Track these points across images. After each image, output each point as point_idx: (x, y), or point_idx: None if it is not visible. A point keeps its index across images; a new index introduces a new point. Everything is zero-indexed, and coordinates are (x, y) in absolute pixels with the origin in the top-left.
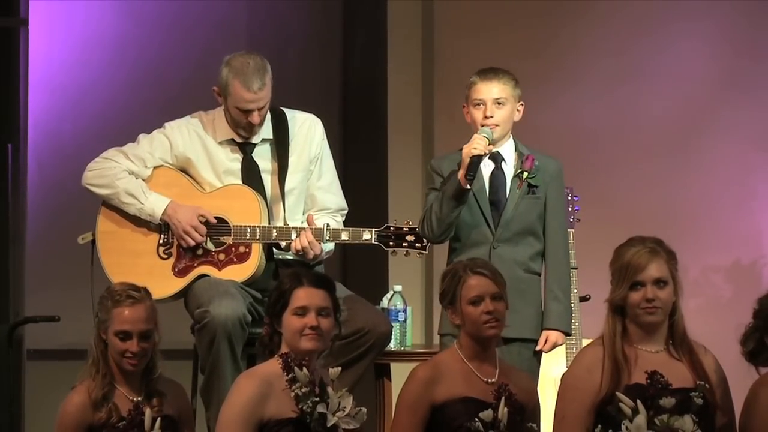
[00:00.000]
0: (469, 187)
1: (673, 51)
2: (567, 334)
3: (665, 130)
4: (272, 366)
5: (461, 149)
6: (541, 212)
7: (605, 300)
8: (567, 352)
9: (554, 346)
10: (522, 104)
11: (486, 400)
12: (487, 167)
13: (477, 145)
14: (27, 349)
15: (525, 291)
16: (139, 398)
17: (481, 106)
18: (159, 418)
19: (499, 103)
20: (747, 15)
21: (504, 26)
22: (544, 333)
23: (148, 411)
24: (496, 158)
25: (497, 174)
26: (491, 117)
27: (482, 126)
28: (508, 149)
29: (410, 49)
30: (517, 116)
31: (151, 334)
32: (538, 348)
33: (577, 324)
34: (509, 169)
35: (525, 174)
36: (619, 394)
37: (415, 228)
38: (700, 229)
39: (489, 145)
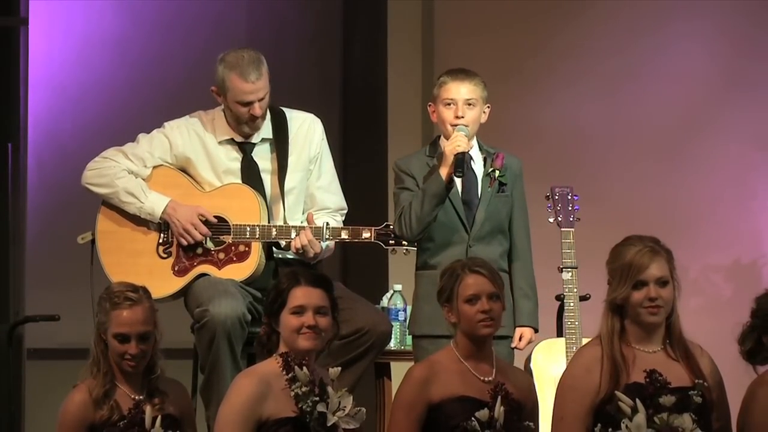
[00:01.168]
0: (451, 185)
1: (672, 51)
2: (536, 330)
3: (665, 130)
4: (270, 365)
5: (427, 147)
6: (509, 210)
7: (605, 299)
8: (567, 351)
9: (528, 342)
10: (489, 107)
11: (483, 399)
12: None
13: (460, 142)
14: (27, 349)
15: None
16: (141, 397)
17: (452, 105)
18: (159, 417)
19: (469, 104)
20: (746, 14)
21: (504, 26)
22: (518, 330)
23: (148, 409)
24: (466, 159)
25: (468, 174)
26: (462, 117)
27: (452, 126)
28: (473, 149)
29: (410, 48)
30: (484, 118)
31: (149, 335)
32: (513, 345)
33: (577, 323)
34: (478, 168)
35: (497, 172)
36: (619, 393)
37: None
38: (699, 229)
39: (469, 142)
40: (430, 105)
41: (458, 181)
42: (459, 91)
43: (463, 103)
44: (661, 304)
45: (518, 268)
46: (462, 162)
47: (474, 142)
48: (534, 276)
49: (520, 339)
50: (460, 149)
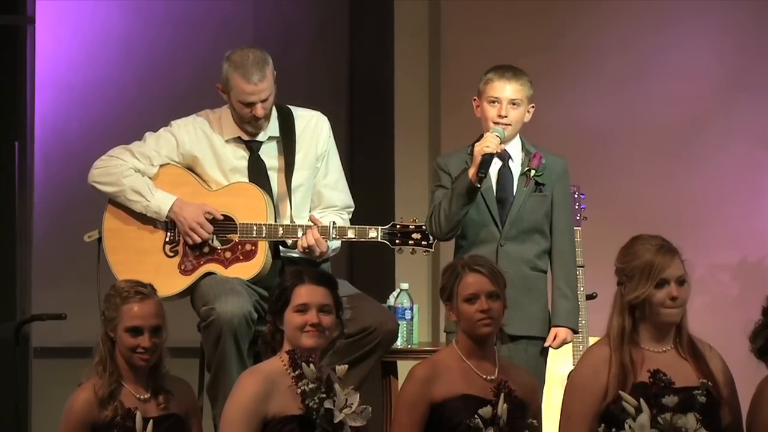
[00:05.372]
0: (479, 185)
1: (679, 49)
2: (575, 331)
3: (672, 129)
4: (275, 363)
5: (469, 146)
6: (547, 210)
7: (627, 299)
8: (574, 351)
9: (563, 343)
10: (533, 106)
11: (486, 398)
12: (494, 165)
13: (489, 143)
14: (33, 347)
15: (532, 289)
16: (146, 396)
17: (496, 104)
18: (151, 421)
19: (514, 104)
20: (752, 14)
21: (511, 24)
22: (553, 330)
23: (138, 415)
24: (504, 156)
25: (504, 172)
26: (505, 117)
27: (494, 124)
28: (515, 147)
29: (417, 46)
30: (527, 118)
31: (161, 329)
32: (546, 344)
33: (584, 322)
34: (516, 167)
35: (532, 172)
36: (623, 393)
37: (422, 226)
38: (707, 227)
39: (500, 144)
40: (474, 99)
41: (493, 179)
42: (504, 90)
43: (507, 103)
44: (681, 304)
45: (558, 268)
46: (488, 164)
47: (517, 140)
48: (575, 277)
49: (554, 338)
50: (488, 150)
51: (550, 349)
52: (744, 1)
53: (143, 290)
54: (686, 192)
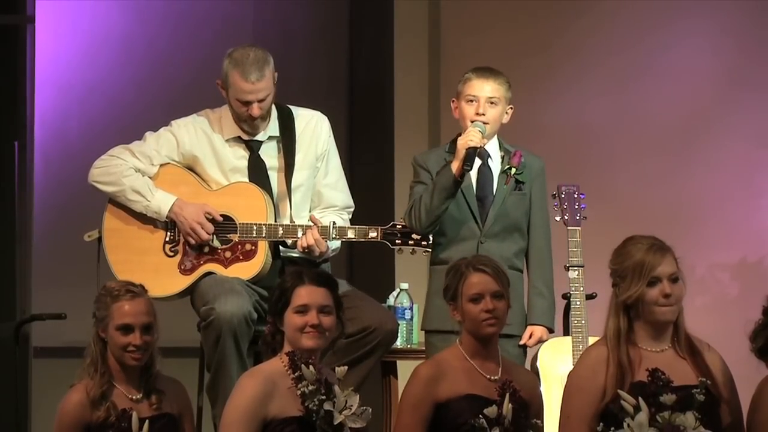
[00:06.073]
0: (460, 179)
1: (677, 49)
2: (551, 330)
3: (671, 128)
4: (275, 364)
5: (447, 145)
6: (526, 209)
7: (620, 299)
8: (573, 350)
9: (539, 341)
10: (511, 108)
11: (490, 397)
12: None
13: (473, 137)
14: (33, 347)
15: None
16: (138, 396)
17: (474, 102)
18: (147, 421)
19: (491, 103)
20: (751, 12)
21: (510, 24)
22: (529, 328)
23: (134, 415)
24: (483, 155)
25: (484, 170)
26: (483, 115)
27: (471, 122)
28: (492, 147)
29: (417, 47)
30: (506, 119)
31: (152, 327)
32: (521, 342)
33: (584, 322)
34: (495, 165)
35: (513, 170)
36: (621, 392)
37: None
38: (706, 227)
39: (483, 138)
40: (453, 101)
41: (473, 177)
42: (482, 89)
43: (485, 101)
44: (674, 301)
45: (535, 267)
46: (472, 157)
47: (494, 139)
48: (552, 276)
49: (530, 337)
50: (472, 144)
51: (550, 349)
52: (744, 0)
53: (134, 289)
54: (686, 192)
